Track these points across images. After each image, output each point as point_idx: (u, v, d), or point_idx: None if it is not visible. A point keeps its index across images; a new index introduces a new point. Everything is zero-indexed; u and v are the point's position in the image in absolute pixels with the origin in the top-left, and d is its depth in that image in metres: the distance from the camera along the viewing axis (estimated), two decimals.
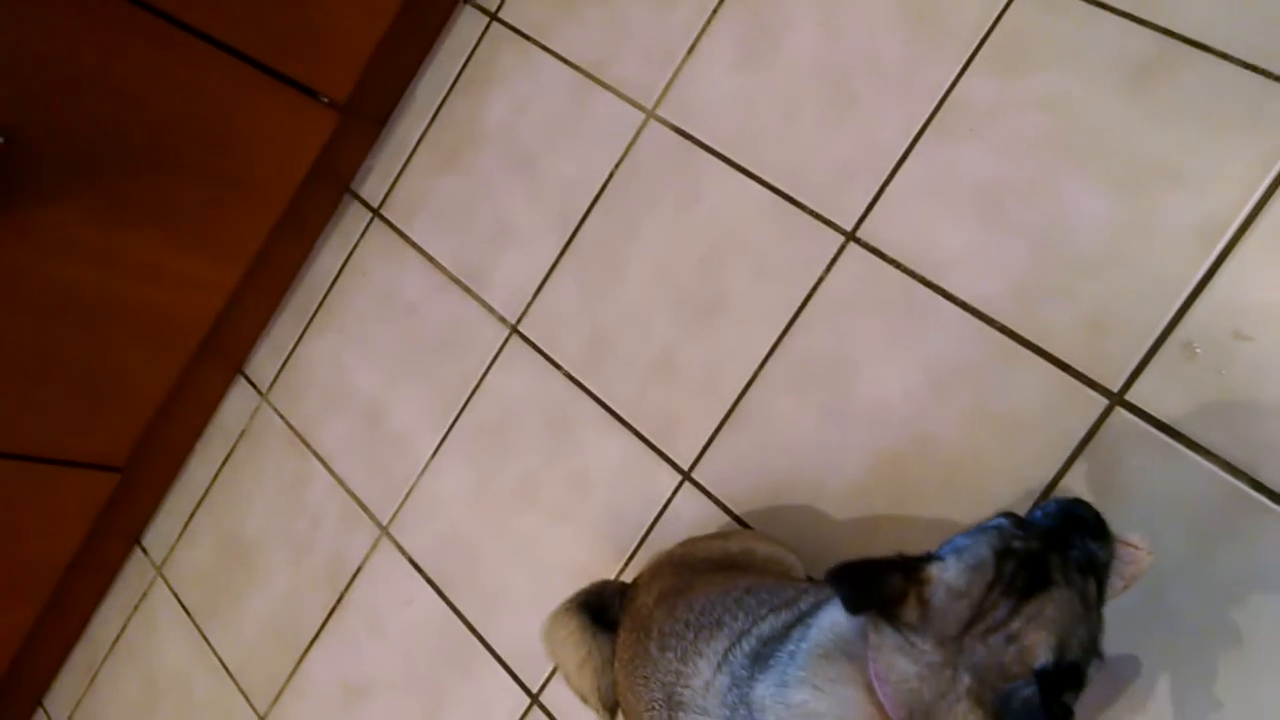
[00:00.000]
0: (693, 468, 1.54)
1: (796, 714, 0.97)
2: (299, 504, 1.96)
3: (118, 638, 2.15)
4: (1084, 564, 0.95)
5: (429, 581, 1.76)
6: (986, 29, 1.41)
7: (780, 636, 1.04)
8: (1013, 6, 1.40)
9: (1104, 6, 1.34)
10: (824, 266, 1.48)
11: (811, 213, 1.51)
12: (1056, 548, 0.94)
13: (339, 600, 1.86)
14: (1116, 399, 1.24)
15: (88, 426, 1.87)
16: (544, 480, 1.68)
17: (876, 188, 1.46)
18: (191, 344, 1.90)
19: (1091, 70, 1.33)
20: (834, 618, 1.01)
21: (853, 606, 0.94)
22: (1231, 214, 1.22)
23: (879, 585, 0.93)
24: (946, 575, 0.93)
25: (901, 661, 0.92)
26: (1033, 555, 0.93)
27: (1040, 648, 0.88)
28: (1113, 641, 1.18)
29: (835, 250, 1.48)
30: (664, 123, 1.67)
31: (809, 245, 1.50)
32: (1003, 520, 0.99)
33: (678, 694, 1.11)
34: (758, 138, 1.58)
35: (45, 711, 2.24)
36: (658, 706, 1.14)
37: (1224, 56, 1.25)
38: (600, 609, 1.32)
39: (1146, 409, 1.22)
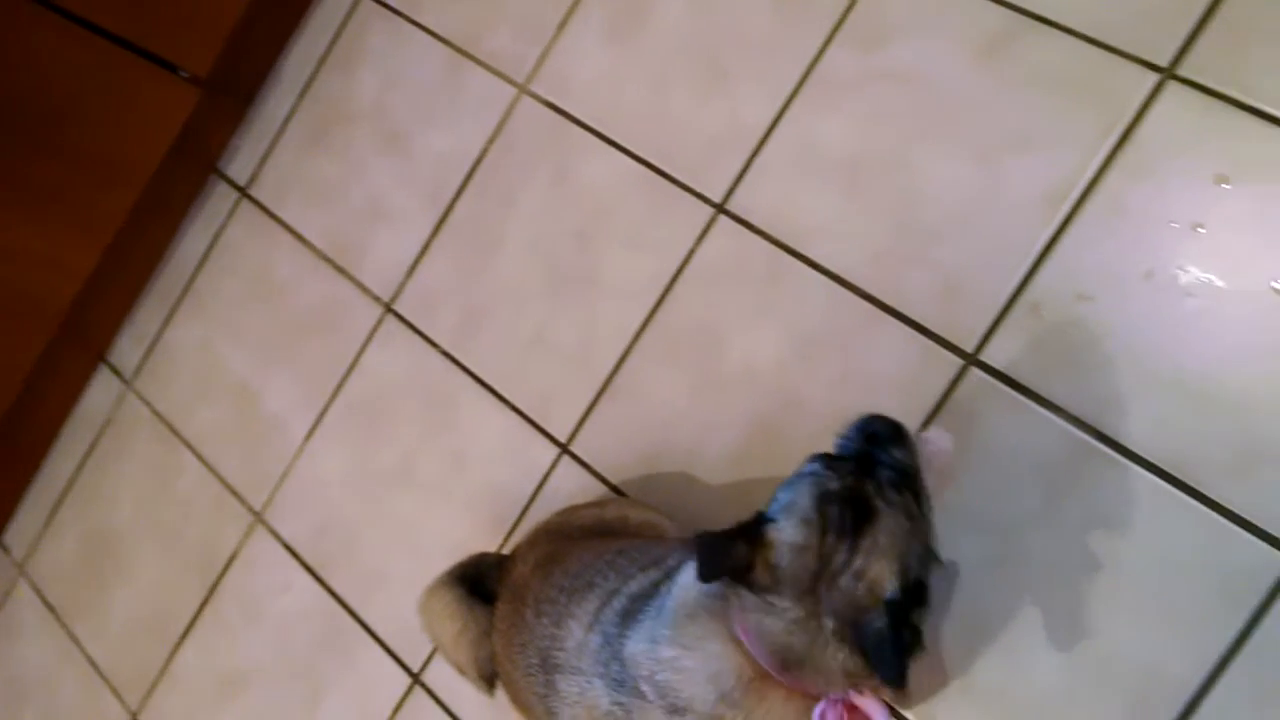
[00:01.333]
0: (570, 440, 1.54)
1: (664, 669, 0.99)
2: (168, 494, 1.90)
3: None
4: (896, 479, 1.00)
5: (305, 567, 1.73)
6: (848, 3, 1.45)
7: (648, 594, 1.06)
8: None
9: None
10: (694, 238, 1.50)
11: (682, 185, 1.53)
12: (868, 473, 0.99)
13: (212, 590, 1.81)
14: (971, 359, 1.29)
15: None
16: (422, 459, 1.66)
17: (744, 160, 1.49)
18: (49, 329, 1.82)
19: (946, 43, 1.38)
20: (692, 575, 1.04)
21: (704, 575, 0.99)
22: (1074, 181, 1.28)
23: (726, 556, 0.98)
24: (783, 535, 0.97)
25: (767, 621, 0.97)
26: (850, 491, 0.98)
27: (885, 577, 0.93)
28: (974, 586, 1.23)
29: (705, 222, 1.50)
30: (536, 98, 1.67)
31: (680, 218, 1.52)
32: (815, 465, 1.03)
33: (553, 657, 1.12)
34: (629, 112, 1.59)
35: None
36: (534, 671, 1.15)
37: (1068, 30, 1.31)
38: (477, 581, 1.32)
39: (998, 368, 1.27)
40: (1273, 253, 1.18)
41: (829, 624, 0.94)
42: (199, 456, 1.88)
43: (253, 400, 1.85)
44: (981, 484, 1.26)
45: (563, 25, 1.67)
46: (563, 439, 1.55)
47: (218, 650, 1.79)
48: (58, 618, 1.96)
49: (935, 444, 1.07)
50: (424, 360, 1.69)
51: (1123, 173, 1.26)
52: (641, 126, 1.58)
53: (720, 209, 1.49)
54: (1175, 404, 1.18)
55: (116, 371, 2.01)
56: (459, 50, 1.75)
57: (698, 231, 1.50)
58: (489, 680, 1.28)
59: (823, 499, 0.98)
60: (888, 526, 0.95)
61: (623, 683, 1.03)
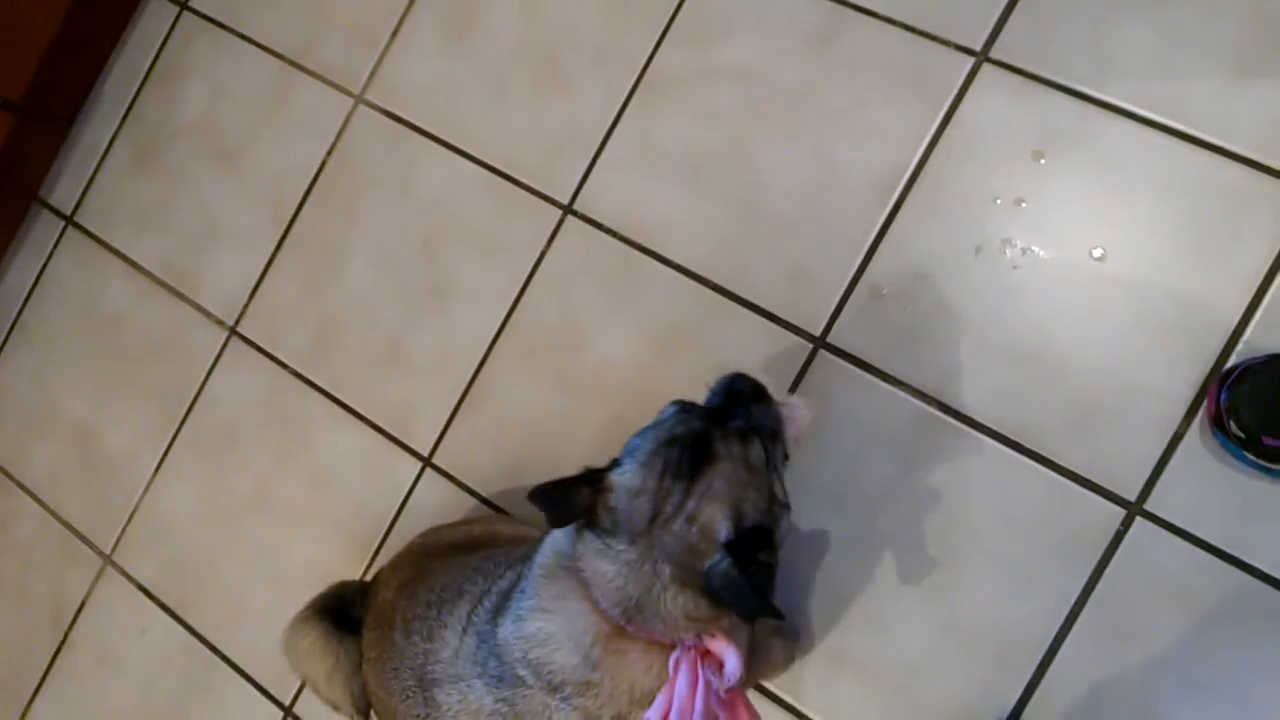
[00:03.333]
0: (432, 453, 1.52)
1: (534, 644, 0.98)
2: (6, 544, 1.79)
3: None
4: (745, 431, 1.00)
5: (162, 606, 1.65)
6: (676, 3, 1.47)
7: (516, 586, 1.05)
8: None
9: None
10: (545, 241, 1.50)
11: (528, 189, 1.52)
12: (718, 422, 1.00)
13: (64, 641, 1.71)
14: (819, 342, 1.33)
15: None
16: (278, 483, 1.61)
17: (588, 160, 1.49)
18: None
19: (774, 39, 1.41)
20: (552, 541, 1.03)
21: (551, 522, 0.98)
22: (903, 166, 1.33)
23: (570, 499, 0.97)
24: (624, 478, 0.97)
25: (603, 564, 0.95)
26: (695, 435, 0.98)
27: (718, 521, 0.93)
28: (836, 559, 1.26)
29: (554, 224, 1.50)
30: (373, 107, 1.64)
31: (529, 221, 1.51)
32: (670, 410, 1.04)
33: (429, 672, 1.09)
34: (470, 117, 1.58)
35: None
36: (412, 692, 1.12)
37: (888, 20, 1.36)
38: (341, 612, 1.28)
39: (846, 349, 1.31)
40: (1090, 223, 1.25)
41: (665, 570, 0.93)
42: (37, 500, 1.77)
43: (92, 437, 1.75)
44: (838, 460, 1.30)
45: (395, 33, 1.64)
46: (424, 452, 1.52)
47: (75, 703, 1.69)
48: None
49: (797, 410, 1.09)
50: (274, 381, 1.63)
51: (947, 154, 1.32)
52: (483, 131, 1.56)
53: (568, 210, 1.49)
54: (1010, 372, 1.24)
55: None
56: (289, 62, 1.70)
57: (547, 234, 1.50)
58: (365, 714, 1.24)
59: (665, 443, 0.97)
60: (724, 471, 0.95)
61: (501, 677, 1.01)
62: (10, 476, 1.80)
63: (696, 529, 0.93)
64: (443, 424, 1.52)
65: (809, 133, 1.38)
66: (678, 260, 1.42)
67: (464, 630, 1.07)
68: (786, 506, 1.02)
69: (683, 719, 0.91)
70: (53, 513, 1.76)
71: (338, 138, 1.66)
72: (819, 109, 1.38)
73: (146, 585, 1.67)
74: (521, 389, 1.48)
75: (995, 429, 1.24)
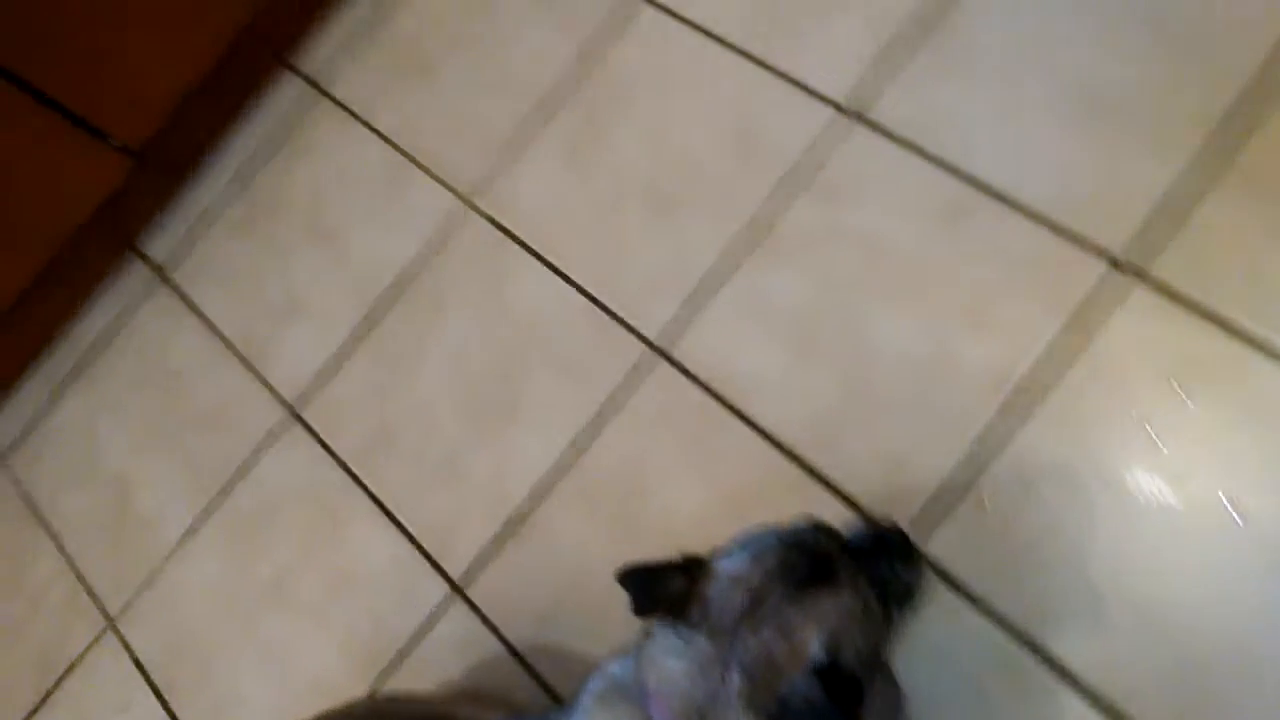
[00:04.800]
0: (466, 581, 1.41)
1: None
2: (18, 582, 1.72)
3: None
4: (877, 579, 0.88)
5: (151, 686, 1.54)
6: (811, 158, 1.41)
7: None
8: (834, 140, 1.41)
9: (919, 152, 1.35)
10: (626, 378, 1.42)
11: (620, 321, 1.45)
12: (852, 555, 0.88)
13: (44, 699, 1.62)
14: None
15: None
16: (302, 577, 1.51)
17: (688, 303, 1.42)
18: None
19: (907, 209, 1.33)
20: (608, 669, 0.92)
21: (637, 608, 0.87)
22: (1026, 367, 1.22)
23: (663, 584, 0.87)
24: (729, 564, 0.85)
25: (672, 662, 0.83)
26: (824, 553, 0.86)
27: (813, 643, 0.79)
28: None
29: (640, 362, 1.42)
30: (480, 213, 1.60)
31: (614, 355, 1.43)
32: (801, 521, 0.92)
33: None
34: (575, 240, 1.52)
35: None
36: None
37: (1028, 211, 1.28)
38: None
39: (934, 558, 1.18)
40: (1224, 463, 1.11)
41: (735, 679, 0.80)
42: (59, 546, 1.71)
43: (129, 493, 1.69)
44: (906, 679, 1.15)
45: (518, 142, 1.61)
46: (457, 578, 1.42)
47: None
48: None
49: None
50: (322, 472, 1.56)
51: (1077, 365, 1.20)
52: (585, 255, 1.51)
53: (657, 350, 1.41)
54: (1121, 625, 1.09)
55: None
56: (407, 155, 1.69)
57: (630, 371, 1.42)
58: None
59: (788, 545, 0.86)
60: (841, 600, 0.82)
61: None
62: (40, 516, 1.74)
63: (786, 642, 0.80)
64: (483, 551, 1.41)
65: (928, 314, 1.28)
66: (764, 424, 1.31)
67: None
68: (889, 675, 0.89)
69: None
70: (71, 562, 1.69)
71: (439, 237, 1.62)
72: (943, 291, 1.28)
73: (141, 658, 1.57)
74: (573, 529, 1.37)
75: (1093, 690, 1.08)
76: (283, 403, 1.63)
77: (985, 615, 1.14)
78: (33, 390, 1.84)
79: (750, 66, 1.50)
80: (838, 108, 1.42)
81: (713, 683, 0.80)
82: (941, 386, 1.25)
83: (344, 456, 1.55)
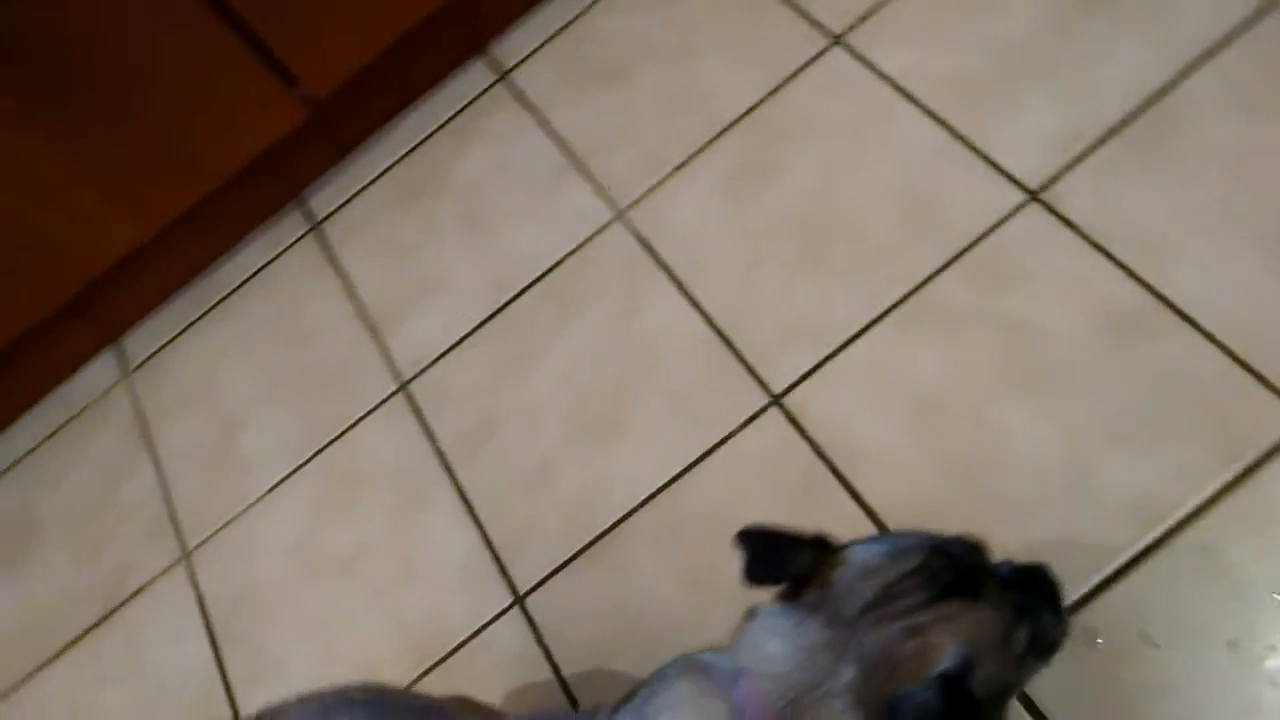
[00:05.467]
0: (528, 594, 1.35)
1: None
2: (111, 497, 1.75)
3: None
4: (1022, 608, 0.78)
5: (207, 627, 1.54)
6: (979, 235, 1.32)
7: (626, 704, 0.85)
8: (1011, 222, 1.31)
9: (1103, 252, 1.24)
10: (739, 423, 1.34)
11: (744, 364, 1.38)
12: (1000, 585, 0.78)
13: (107, 616, 1.63)
14: None
15: None
16: (373, 555, 1.48)
17: (818, 359, 1.34)
18: (66, 291, 1.72)
19: (1071, 309, 1.22)
20: (686, 656, 0.85)
21: (750, 573, 0.78)
22: (1173, 505, 1.09)
23: (789, 553, 0.78)
24: (865, 554, 0.77)
25: (774, 643, 0.75)
26: (971, 566, 0.77)
27: (946, 650, 0.70)
28: None
29: (755, 410, 1.34)
30: (630, 228, 1.56)
31: (730, 396, 1.36)
32: (954, 535, 0.82)
33: None
34: (717, 272, 1.46)
35: None
36: None
37: (1211, 339, 1.15)
38: None
39: (1031, 693, 1.06)
40: None
41: (848, 671, 0.71)
42: (158, 471, 1.73)
43: (234, 434, 1.70)
44: None
45: (681, 166, 1.57)
46: (521, 589, 1.36)
47: (84, 683, 1.59)
48: None
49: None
50: (417, 453, 1.53)
51: (1232, 516, 1.07)
52: (723, 290, 1.44)
53: (776, 400, 1.33)
54: None
55: (121, 360, 1.90)
56: (573, 158, 1.66)
57: (744, 417, 1.34)
58: None
59: (933, 549, 0.77)
60: (982, 617, 0.73)
61: None
62: (148, 437, 1.77)
63: (915, 643, 0.71)
64: (552, 568, 1.35)
65: (1071, 421, 1.17)
66: (868, 499, 1.22)
67: None
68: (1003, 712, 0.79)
69: None
70: (165, 488, 1.71)
71: (583, 245, 1.58)
72: (1095, 406, 1.17)
73: (205, 598, 1.57)
74: (647, 564, 1.30)
75: None
76: (396, 376, 1.62)
77: None
78: (172, 315, 1.89)
79: (937, 130, 1.42)
80: (1023, 188, 1.33)
81: (819, 671, 0.72)
82: (1069, 502, 1.12)
83: (441, 441, 1.52)
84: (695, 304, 1.45)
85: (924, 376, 1.27)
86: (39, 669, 1.63)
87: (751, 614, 0.81)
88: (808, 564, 0.78)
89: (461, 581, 1.40)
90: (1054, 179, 1.32)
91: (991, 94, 1.41)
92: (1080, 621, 1.07)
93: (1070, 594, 1.08)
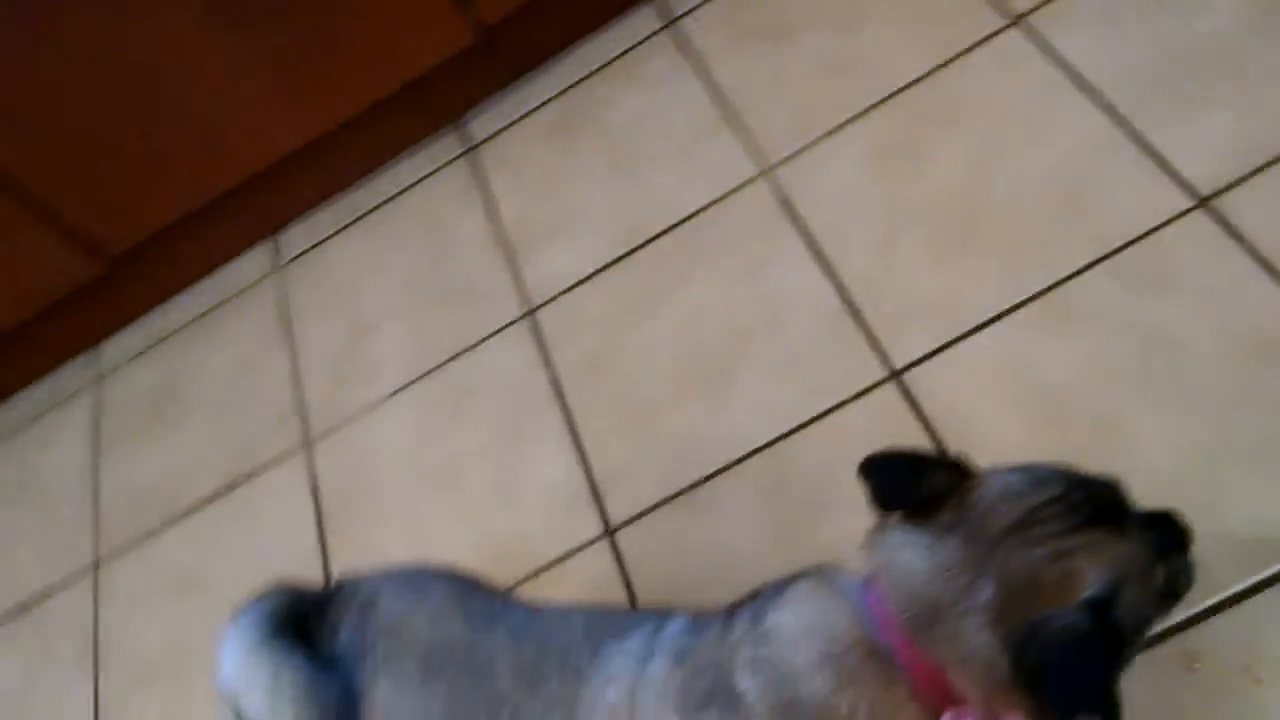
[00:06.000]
0: (619, 528, 1.37)
1: (771, 639, 0.78)
2: (250, 382, 1.84)
3: (29, 423, 2.05)
4: (1160, 548, 0.77)
5: (316, 513, 1.61)
6: (1137, 235, 1.26)
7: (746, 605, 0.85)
8: (1174, 226, 1.25)
9: (1269, 268, 1.17)
10: (852, 393, 1.32)
11: (869, 335, 1.35)
12: (1140, 525, 0.76)
13: (228, 490, 1.73)
14: None
15: (102, 202, 1.79)
16: (475, 469, 1.52)
17: (945, 339, 1.30)
18: (234, 177, 1.81)
19: (1221, 323, 1.16)
20: (819, 566, 0.84)
21: (879, 495, 0.78)
22: None
23: (922, 475, 0.77)
24: (1005, 479, 0.75)
25: (909, 556, 0.74)
26: (1113, 501, 0.75)
27: (1091, 577, 0.69)
28: None
29: (872, 383, 1.31)
30: (773, 186, 1.54)
31: (848, 367, 1.34)
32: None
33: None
34: (854, 241, 1.44)
35: None
36: None
37: None
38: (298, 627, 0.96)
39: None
40: None
41: (987, 590, 0.69)
42: (294, 361, 1.82)
43: (366, 337, 1.77)
44: None
45: (835, 130, 1.54)
46: (613, 523, 1.38)
47: (199, 548, 1.69)
48: (97, 440, 1.93)
49: None
50: (533, 378, 1.56)
51: None
52: (859, 260, 1.42)
53: (895, 375, 1.30)
54: None
55: (277, 251, 1.99)
56: (727, 110, 1.66)
57: (859, 388, 1.32)
58: None
59: (1076, 483, 0.75)
60: (1126, 550, 0.72)
61: (709, 696, 0.79)
62: (288, 329, 1.86)
63: (1060, 567, 0.70)
64: (646, 506, 1.37)
65: (1202, 443, 1.10)
66: None
67: (644, 658, 0.85)
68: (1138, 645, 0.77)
69: None
70: (297, 378, 1.79)
71: (723, 197, 1.58)
72: (1228, 427, 1.10)
73: (318, 485, 1.64)
74: (739, 517, 1.30)
75: None
76: (524, 302, 1.65)
77: None
78: (326, 218, 1.97)
79: (1107, 122, 1.36)
80: (1192, 193, 1.26)
81: (955, 589, 0.71)
82: (1191, 513, 1.07)
83: (557, 369, 1.55)
84: (828, 269, 1.43)
85: (1053, 372, 1.22)
86: (160, 529, 1.74)
87: (880, 529, 0.79)
88: (943, 485, 0.76)
89: (556, 506, 1.43)
90: (1227, 188, 1.24)
91: (1172, 91, 1.34)
92: (1181, 644, 1.02)
93: (1175, 615, 1.03)
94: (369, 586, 0.98)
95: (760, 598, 0.84)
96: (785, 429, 1.33)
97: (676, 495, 1.35)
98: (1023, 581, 0.69)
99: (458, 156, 1.89)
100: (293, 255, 1.96)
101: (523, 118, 1.87)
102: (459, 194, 1.84)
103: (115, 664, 1.64)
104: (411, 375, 1.68)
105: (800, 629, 0.78)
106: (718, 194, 1.58)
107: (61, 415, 2.02)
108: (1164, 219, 1.26)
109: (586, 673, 0.86)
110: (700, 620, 0.87)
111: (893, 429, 1.27)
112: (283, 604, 0.96)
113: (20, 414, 2.07)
